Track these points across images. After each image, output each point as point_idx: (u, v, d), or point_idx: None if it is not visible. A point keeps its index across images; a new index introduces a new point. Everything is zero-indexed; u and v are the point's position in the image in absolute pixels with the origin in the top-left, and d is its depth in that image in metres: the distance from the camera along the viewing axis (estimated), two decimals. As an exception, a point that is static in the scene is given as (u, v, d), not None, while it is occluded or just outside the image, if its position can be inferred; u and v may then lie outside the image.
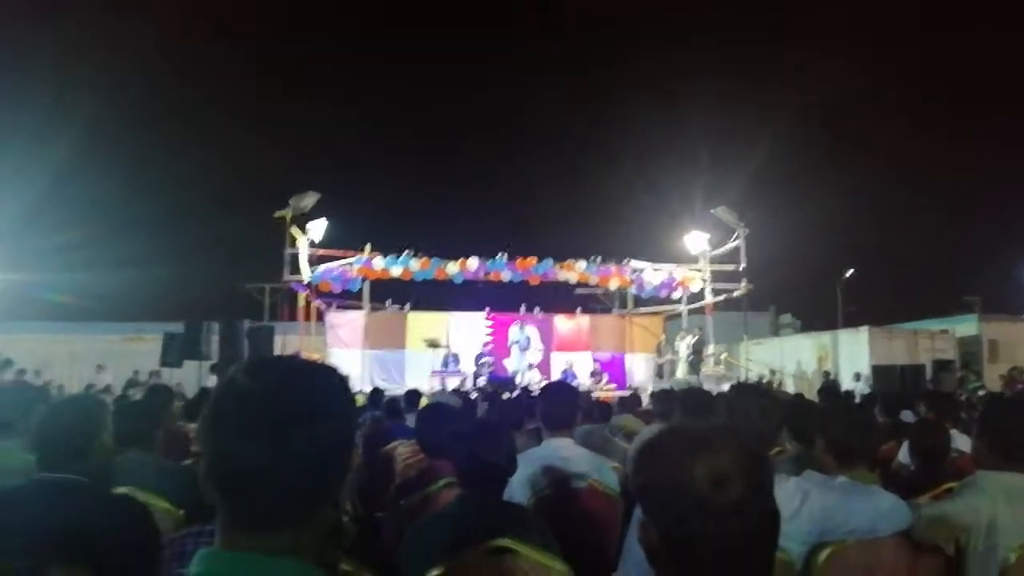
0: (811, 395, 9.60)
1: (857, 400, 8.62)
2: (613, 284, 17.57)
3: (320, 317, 17.76)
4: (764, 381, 16.59)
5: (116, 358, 17.61)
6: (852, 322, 22.42)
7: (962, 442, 4.11)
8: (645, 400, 8.67)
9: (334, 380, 1.01)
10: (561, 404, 3.14)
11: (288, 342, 15.62)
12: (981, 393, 11.27)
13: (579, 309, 19.52)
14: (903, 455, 3.87)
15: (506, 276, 16.49)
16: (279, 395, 0.93)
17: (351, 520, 3.05)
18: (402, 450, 4.37)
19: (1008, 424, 2.35)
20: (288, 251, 15.54)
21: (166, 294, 25.51)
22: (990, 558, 2.06)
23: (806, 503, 2.09)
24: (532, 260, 16.52)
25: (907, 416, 5.78)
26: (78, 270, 24.00)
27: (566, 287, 18.07)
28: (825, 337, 19.38)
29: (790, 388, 16.66)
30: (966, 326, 19.03)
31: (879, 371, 14.88)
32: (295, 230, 15.54)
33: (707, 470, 1.05)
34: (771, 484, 1.11)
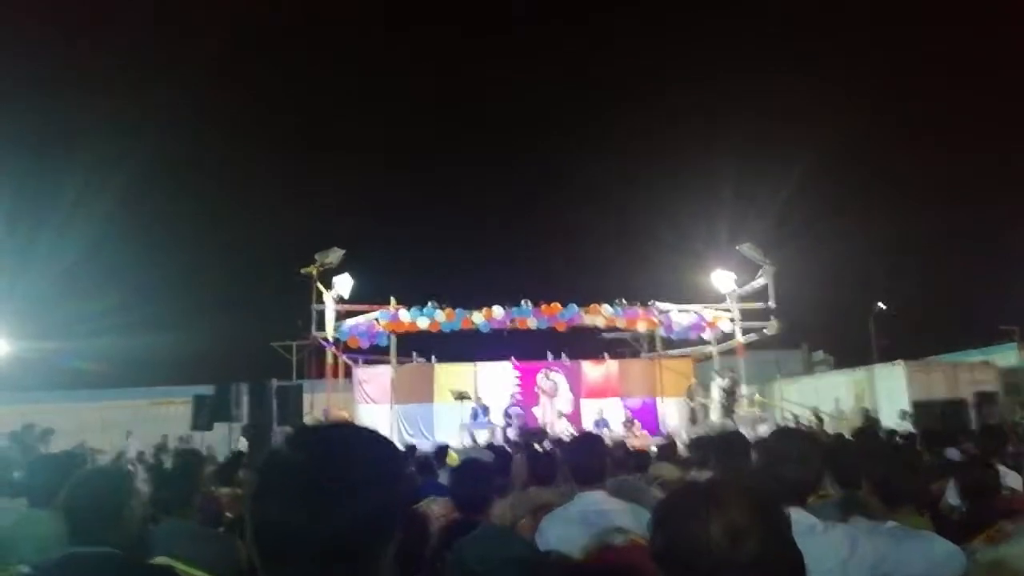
0: (849, 434, 9.36)
1: (899, 438, 8.39)
2: (640, 327, 17.46)
3: (348, 373, 17.84)
4: (801, 422, 16.25)
5: (146, 423, 17.74)
6: (887, 356, 21.97)
7: (1012, 479, 3.97)
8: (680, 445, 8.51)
9: (380, 447, 1.02)
10: (590, 457, 3.10)
11: (316, 400, 15.65)
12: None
13: (606, 354, 19.40)
14: (950, 495, 3.74)
15: (532, 323, 16.47)
16: (323, 465, 0.95)
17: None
18: (436, 508, 4.32)
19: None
20: (315, 308, 15.70)
21: (193, 356, 25.77)
22: (1054, 605, 1.96)
23: (856, 551, 2.02)
24: (557, 306, 16.51)
25: (952, 454, 5.61)
26: (105, 336, 24.39)
27: (593, 332, 17.99)
28: (860, 373, 18.98)
29: (827, 427, 16.27)
30: (1007, 356, 18.54)
31: (919, 407, 14.50)
32: (321, 286, 15.74)
33: (723, 527, 1.05)
34: (789, 530, 1.10)
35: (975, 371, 17.01)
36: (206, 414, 13.53)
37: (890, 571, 1.99)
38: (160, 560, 2.39)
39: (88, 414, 19.17)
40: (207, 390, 13.96)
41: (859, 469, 2.75)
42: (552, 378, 17.67)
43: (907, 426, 13.12)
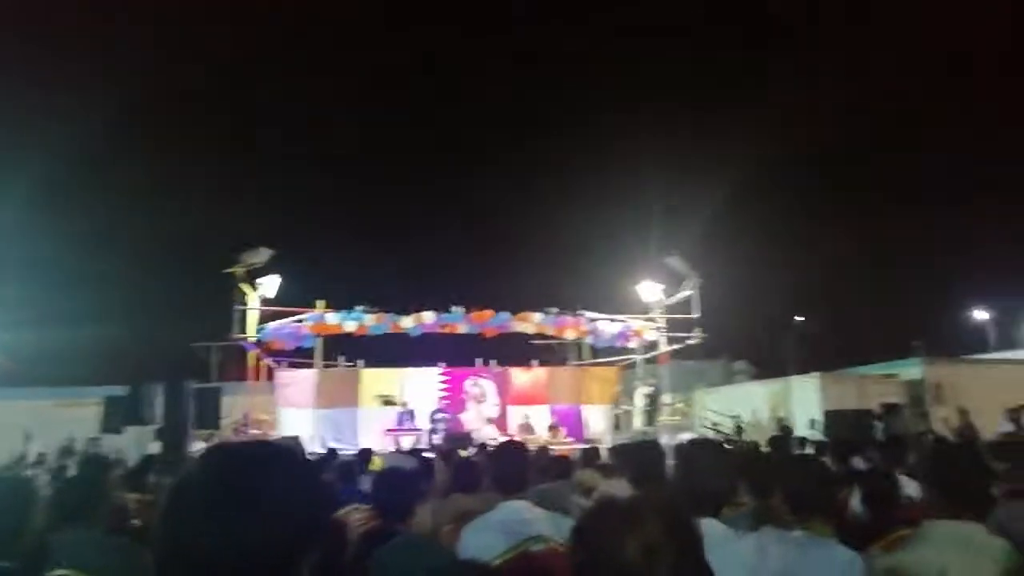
0: (766, 442, 9.71)
1: (811, 448, 8.74)
2: (569, 335, 17.67)
3: (270, 376, 17.39)
4: (719, 431, 16.76)
5: (51, 425, 16.77)
6: (804, 368, 22.90)
7: (912, 488, 4.19)
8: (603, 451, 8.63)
9: (294, 465, 1.01)
10: (512, 466, 3.13)
11: (236, 403, 15.18)
12: (930, 437, 11.51)
13: (534, 361, 19.55)
14: (856, 503, 3.92)
15: (462, 328, 16.45)
16: (233, 484, 0.94)
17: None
18: (356, 516, 4.25)
19: (955, 472, 2.41)
20: (237, 308, 15.25)
21: (106, 356, 24.55)
22: (943, 609, 2.08)
23: (766, 560, 2.10)
24: (488, 312, 16.54)
25: (858, 463, 5.87)
26: (10, 330, 23.04)
27: (521, 339, 18.11)
28: (778, 384, 19.71)
29: (746, 436, 16.82)
30: (911, 370, 19.55)
31: (832, 416, 15.14)
32: (245, 287, 15.31)
33: (639, 542, 1.10)
34: (701, 547, 1.17)
35: (882, 384, 17.91)
36: (117, 416, 12.95)
37: (795, 578, 2.08)
38: (58, 573, 2.28)
39: (-14, 414, 18.03)
40: (120, 391, 13.35)
41: (772, 480, 2.86)
42: (481, 384, 17.67)
43: (816, 434, 13.71)
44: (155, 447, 11.85)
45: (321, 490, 1.04)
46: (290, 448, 1.06)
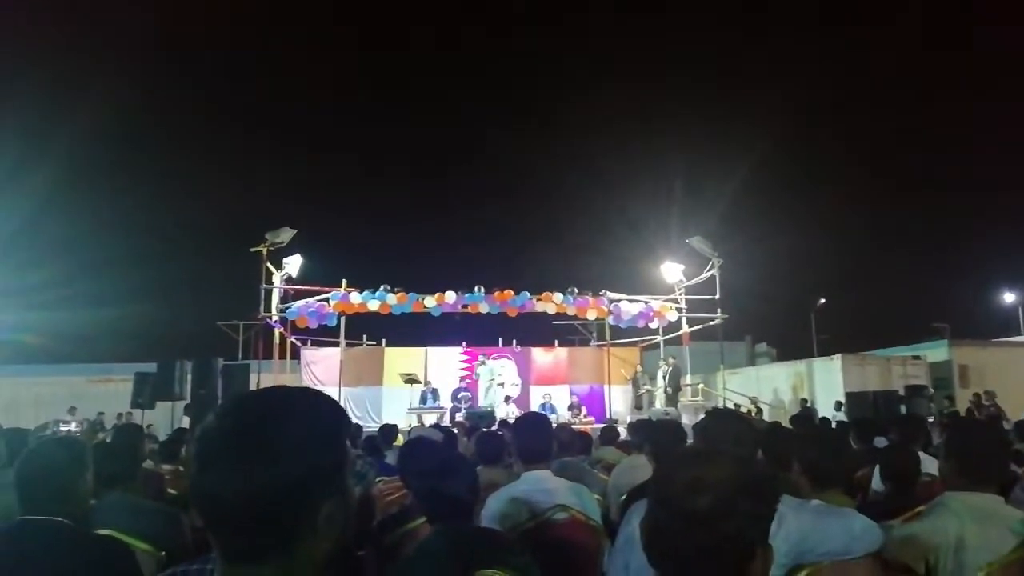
0: (787, 423, 9.68)
1: (832, 427, 8.70)
2: (591, 315, 17.68)
3: (295, 354, 17.62)
4: (740, 410, 16.69)
5: (83, 400, 17.20)
6: (825, 350, 22.74)
7: (933, 466, 4.19)
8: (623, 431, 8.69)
9: (306, 408, 1.00)
10: (536, 437, 3.16)
11: (263, 380, 15.41)
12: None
13: (556, 342, 19.60)
14: (876, 481, 3.94)
15: (484, 309, 16.52)
16: (241, 429, 0.95)
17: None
18: (382, 487, 4.36)
19: (972, 446, 2.42)
20: (263, 287, 15.45)
21: (135, 334, 25.05)
22: (958, 576, 2.11)
23: (782, 526, 2.13)
24: (510, 293, 16.59)
25: (880, 442, 5.86)
26: (44, 310, 23.56)
27: (544, 320, 18.15)
28: (800, 366, 19.59)
29: (766, 416, 16.76)
30: (937, 352, 19.34)
31: (853, 398, 15.03)
32: (270, 266, 15.50)
33: (687, 477, 1.17)
34: (743, 504, 1.18)
35: (907, 365, 17.74)
36: (148, 392, 13.24)
37: (814, 545, 2.11)
38: (103, 533, 2.38)
39: (21, 389, 18.53)
40: (149, 368, 13.65)
41: (790, 452, 2.89)
42: (489, 364, 17.72)
43: (841, 416, 13.63)
44: (185, 422, 12.12)
45: (338, 435, 1.04)
46: (309, 391, 1.06)
